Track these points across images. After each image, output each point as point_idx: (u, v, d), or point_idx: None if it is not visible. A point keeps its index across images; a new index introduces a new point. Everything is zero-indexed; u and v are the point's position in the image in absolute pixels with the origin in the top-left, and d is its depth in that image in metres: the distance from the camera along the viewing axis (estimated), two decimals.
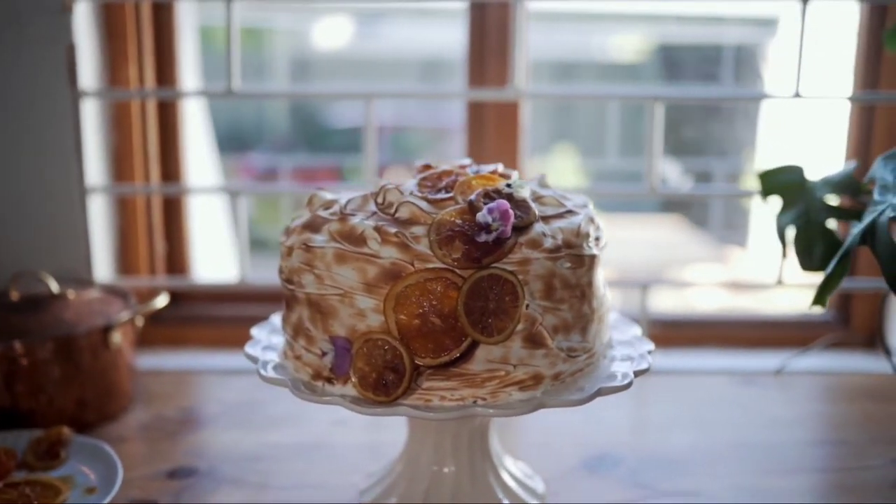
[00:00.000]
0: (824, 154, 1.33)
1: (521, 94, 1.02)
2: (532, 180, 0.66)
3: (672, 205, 3.70)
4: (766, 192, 0.85)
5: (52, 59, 0.95)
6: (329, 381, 0.58)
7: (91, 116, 1.00)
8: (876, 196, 0.68)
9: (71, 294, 0.87)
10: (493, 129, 1.10)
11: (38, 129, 0.97)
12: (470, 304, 0.53)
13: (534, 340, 0.56)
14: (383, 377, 0.55)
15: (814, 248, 0.80)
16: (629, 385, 0.58)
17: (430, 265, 0.54)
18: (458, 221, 0.55)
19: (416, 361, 0.54)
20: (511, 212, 0.54)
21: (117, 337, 0.85)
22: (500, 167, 0.64)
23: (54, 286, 0.86)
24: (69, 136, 0.97)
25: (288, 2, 1.79)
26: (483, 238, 0.54)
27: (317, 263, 0.57)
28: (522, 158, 1.11)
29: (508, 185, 0.58)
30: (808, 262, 0.81)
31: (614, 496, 0.71)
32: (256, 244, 1.06)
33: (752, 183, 0.95)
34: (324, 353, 0.58)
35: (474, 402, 0.55)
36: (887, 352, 0.86)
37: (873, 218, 0.65)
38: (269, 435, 0.83)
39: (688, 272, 2.91)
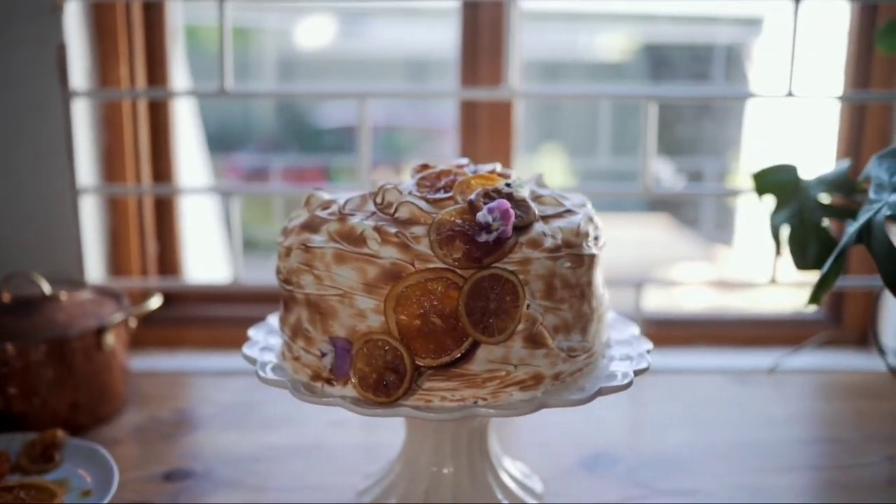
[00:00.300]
0: (813, 153, 1.34)
1: (515, 94, 1.01)
2: (530, 180, 0.66)
3: (659, 204, 3.71)
4: (760, 191, 0.85)
5: (43, 58, 0.94)
6: (328, 382, 0.57)
7: (82, 116, 1.00)
8: (871, 195, 0.68)
9: (63, 295, 0.86)
10: (486, 129, 1.10)
11: (29, 130, 0.96)
12: (471, 304, 0.53)
13: (534, 340, 0.56)
14: (384, 378, 0.55)
15: (808, 246, 0.81)
16: (629, 384, 0.58)
17: (431, 265, 0.54)
18: (459, 221, 0.54)
19: (417, 362, 0.54)
20: (512, 211, 0.54)
21: (110, 338, 0.85)
22: (499, 167, 0.64)
23: (46, 288, 0.86)
24: (60, 137, 0.96)
25: (278, 1, 1.79)
26: (483, 238, 0.54)
27: (316, 264, 0.57)
28: (516, 158, 1.10)
29: (508, 185, 0.58)
30: (803, 260, 0.82)
31: (613, 495, 0.71)
32: (246, 245, 1.05)
33: (739, 181, 0.95)
34: (323, 354, 0.57)
35: (475, 402, 0.55)
36: (881, 350, 0.86)
37: (869, 217, 0.65)
38: (265, 436, 0.83)
39: (676, 271, 2.92)
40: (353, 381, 0.55)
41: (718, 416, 0.88)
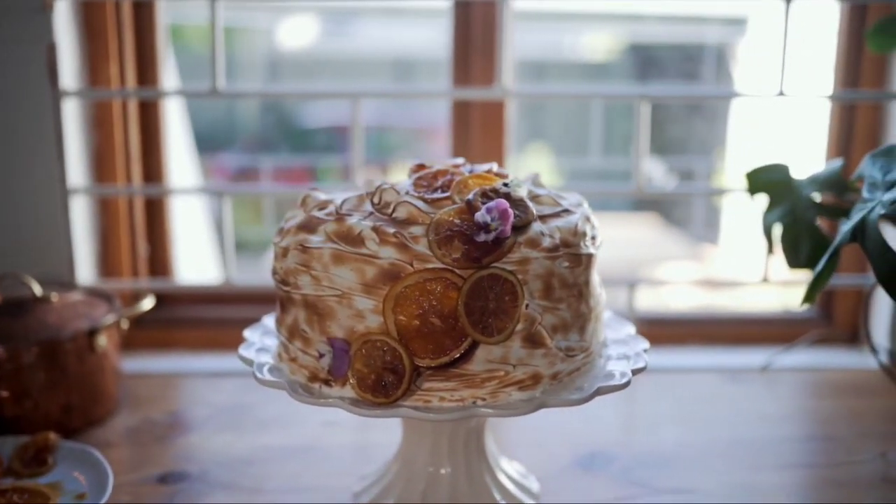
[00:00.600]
0: (802, 152, 1.35)
1: (508, 94, 1.01)
2: (526, 179, 0.66)
3: (647, 203, 3.72)
4: (752, 190, 0.86)
5: (33, 58, 0.94)
6: (326, 383, 0.57)
7: (72, 116, 0.99)
8: (865, 194, 0.68)
9: (54, 297, 0.85)
10: (478, 129, 1.10)
11: (18, 130, 0.95)
12: (470, 304, 0.53)
13: (533, 340, 0.56)
14: (382, 378, 0.54)
15: (800, 245, 0.81)
16: (628, 384, 0.58)
17: (430, 265, 0.54)
18: (457, 221, 0.54)
19: (416, 362, 0.54)
20: (510, 211, 0.54)
21: (103, 340, 0.84)
22: (495, 166, 0.64)
23: (37, 289, 0.85)
24: (50, 137, 0.95)
25: (268, 1, 1.78)
26: (482, 238, 0.53)
27: (314, 264, 0.57)
28: (508, 158, 1.10)
29: (505, 185, 0.58)
30: (795, 259, 0.82)
31: (610, 494, 0.71)
32: (235, 245, 1.05)
33: (725, 180, 0.95)
34: (321, 355, 0.57)
35: (474, 402, 0.55)
36: (873, 349, 0.87)
37: (863, 215, 0.66)
38: (259, 438, 0.82)
39: (663, 270, 2.93)
40: (351, 381, 0.55)
41: (712, 414, 0.89)
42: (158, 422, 0.86)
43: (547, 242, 0.56)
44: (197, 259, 1.56)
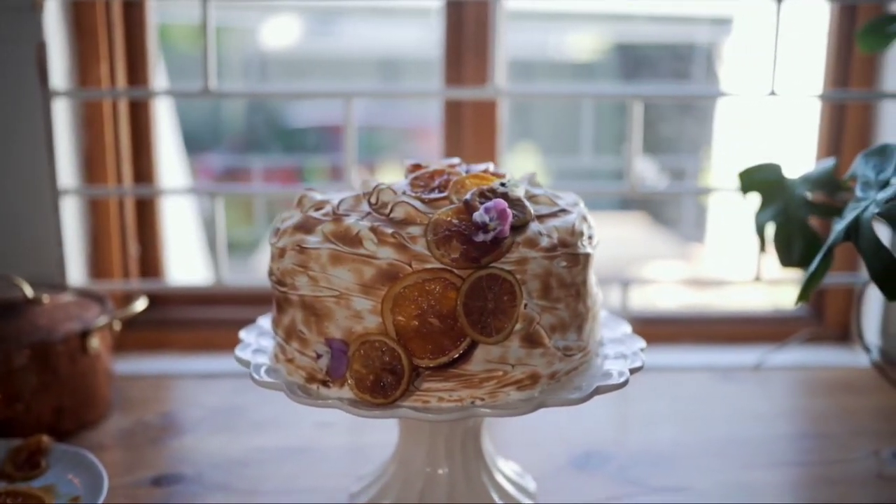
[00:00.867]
0: (791, 151, 1.35)
1: (501, 93, 1.01)
2: (523, 179, 0.66)
3: (635, 202, 3.73)
4: (745, 189, 0.86)
5: (22, 57, 0.93)
6: (324, 384, 0.57)
7: (62, 117, 0.98)
8: (858, 193, 0.69)
9: (46, 299, 0.85)
10: (470, 128, 1.10)
11: (8, 130, 0.94)
12: (469, 304, 0.53)
13: (531, 340, 0.56)
14: (381, 379, 0.54)
15: (793, 244, 0.81)
16: (626, 383, 0.58)
17: (429, 265, 0.53)
18: (455, 221, 0.54)
19: (415, 363, 0.54)
20: (509, 211, 0.54)
21: (95, 342, 0.83)
22: (492, 166, 0.64)
23: (28, 291, 0.84)
24: (40, 138, 0.94)
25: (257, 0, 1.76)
26: (481, 238, 0.53)
27: (311, 265, 0.56)
28: (500, 157, 1.10)
29: (503, 185, 0.58)
30: (788, 258, 0.82)
31: (606, 493, 0.71)
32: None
33: (711, 180, 0.96)
34: (319, 356, 0.57)
35: (473, 402, 0.55)
36: (866, 347, 0.87)
37: (857, 214, 0.66)
38: (254, 439, 0.82)
39: (651, 269, 2.94)
40: (349, 382, 0.55)
41: (706, 412, 0.89)
42: (152, 424, 0.85)
43: (545, 242, 0.56)
44: (186, 260, 1.55)
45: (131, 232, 1.09)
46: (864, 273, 1.08)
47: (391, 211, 0.57)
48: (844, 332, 1.12)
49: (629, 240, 3.42)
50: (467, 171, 0.62)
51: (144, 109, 1.09)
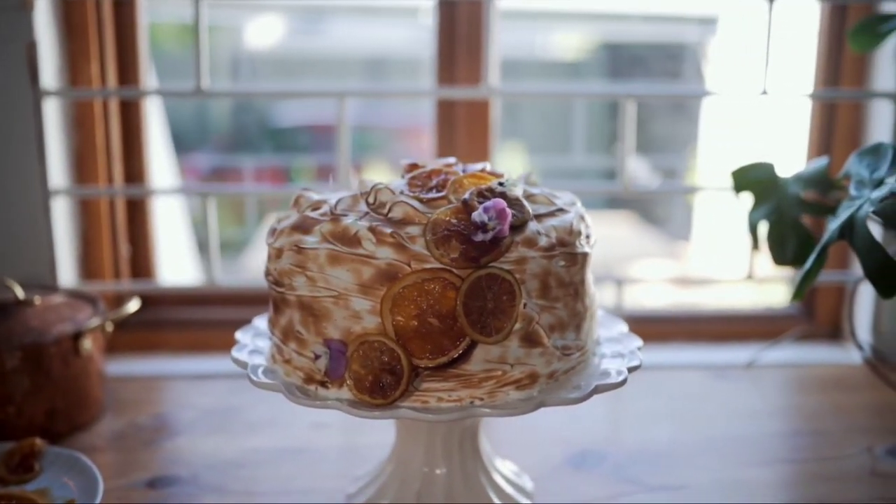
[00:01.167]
0: (781, 150, 1.36)
1: (494, 93, 1.01)
2: (520, 178, 0.66)
3: (624, 201, 3.74)
4: (738, 188, 0.86)
5: (12, 57, 0.92)
6: (323, 384, 0.57)
7: (52, 117, 0.97)
8: (852, 191, 0.69)
9: (37, 300, 0.84)
10: (463, 128, 1.10)
11: None
12: (469, 304, 0.53)
13: (531, 339, 0.55)
14: (380, 380, 0.54)
15: (787, 243, 0.82)
16: (624, 382, 0.58)
17: (428, 265, 0.53)
18: (454, 221, 0.54)
19: (414, 363, 0.54)
20: (508, 211, 0.54)
21: (87, 343, 0.83)
22: (489, 166, 0.64)
23: (20, 292, 0.83)
24: (31, 138, 0.94)
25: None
26: (480, 237, 0.53)
27: (309, 265, 0.56)
28: (493, 157, 1.10)
29: (501, 184, 0.58)
30: (782, 256, 0.83)
31: (603, 492, 0.71)
32: (206, 247, 1.03)
33: (698, 178, 0.96)
34: (317, 357, 0.56)
35: (472, 402, 0.55)
36: (858, 345, 0.88)
37: (851, 213, 0.66)
38: (249, 440, 0.81)
39: (639, 268, 2.95)
40: (348, 383, 0.55)
41: (700, 411, 0.89)
42: (145, 425, 0.85)
43: (543, 242, 0.56)
44: (176, 260, 1.54)
45: (122, 232, 1.09)
46: (855, 271, 1.09)
47: (389, 211, 0.56)
48: (836, 329, 1.13)
49: (617, 238, 3.43)
50: (464, 171, 0.62)
51: (135, 109, 1.08)
